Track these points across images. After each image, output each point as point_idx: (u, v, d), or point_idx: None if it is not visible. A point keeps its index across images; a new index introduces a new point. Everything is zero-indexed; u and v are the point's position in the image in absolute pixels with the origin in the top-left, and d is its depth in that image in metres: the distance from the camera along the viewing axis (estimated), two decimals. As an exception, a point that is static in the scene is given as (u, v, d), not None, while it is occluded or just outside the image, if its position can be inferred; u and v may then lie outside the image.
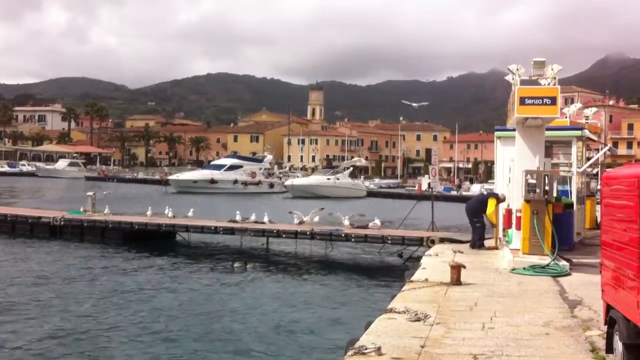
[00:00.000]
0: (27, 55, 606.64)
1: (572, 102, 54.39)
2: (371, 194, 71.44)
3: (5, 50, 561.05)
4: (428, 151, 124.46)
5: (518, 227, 14.58)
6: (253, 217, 24.72)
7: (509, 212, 15.66)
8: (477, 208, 17.73)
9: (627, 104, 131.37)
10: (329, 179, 67.86)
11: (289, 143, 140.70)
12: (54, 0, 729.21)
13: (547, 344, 7.82)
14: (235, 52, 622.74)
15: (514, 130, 15.36)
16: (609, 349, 7.06)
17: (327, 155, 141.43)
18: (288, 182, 68.78)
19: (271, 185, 74.83)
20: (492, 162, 23.92)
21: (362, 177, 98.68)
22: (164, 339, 12.33)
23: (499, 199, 17.20)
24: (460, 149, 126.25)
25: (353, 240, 22.03)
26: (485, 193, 19.21)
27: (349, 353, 7.46)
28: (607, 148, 24.36)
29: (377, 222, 23.12)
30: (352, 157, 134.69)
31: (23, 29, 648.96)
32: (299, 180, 70.58)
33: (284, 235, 22.94)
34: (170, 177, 76.16)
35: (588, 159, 21.39)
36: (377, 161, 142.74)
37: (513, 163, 15.63)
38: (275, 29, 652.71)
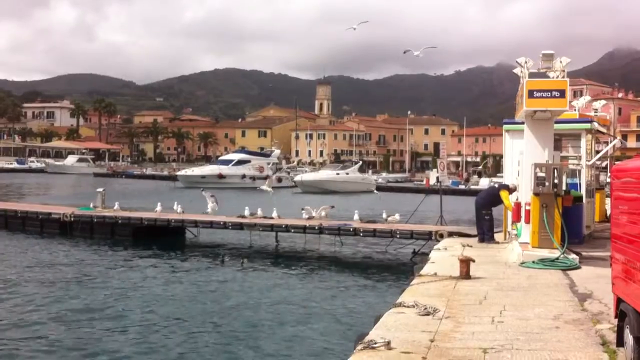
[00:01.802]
0: (36, 52, 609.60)
1: (581, 94, 54.21)
2: (379, 188, 71.29)
3: (14, 48, 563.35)
4: (436, 145, 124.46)
5: (527, 221, 14.52)
6: (260, 212, 24.75)
7: (518, 205, 15.62)
8: (487, 201, 17.68)
9: (636, 97, 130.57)
10: (338, 173, 67.70)
11: (297, 138, 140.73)
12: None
13: (557, 337, 7.81)
14: (242, 48, 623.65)
15: (522, 123, 15.29)
16: (620, 342, 7.03)
17: (335, 150, 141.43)
18: (297, 177, 68.62)
19: (279, 180, 74.91)
20: (501, 156, 23.88)
21: (370, 171, 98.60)
22: (171, 335, 12.38)
23: (510, 190, 17.14)
24: (469, 142, 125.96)
25: (362, 234, 22.03)
26: (496, 186, 19.12)
27: (359, 347, 7.47)
28: (616, 140, 24.24)
29: (397, 216, 23.05)
30: (360, 152, 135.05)
31: (32, 27, 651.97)
32: (309, 176, 70.35)
33: (293, 230, 22.94)
34: (178, 173, 76.40)
35: (597, 151, 21.28)
36: (385, 155, 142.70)
37: (522, 156, 15.57)
38: (282, 24, 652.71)
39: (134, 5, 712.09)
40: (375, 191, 24.12)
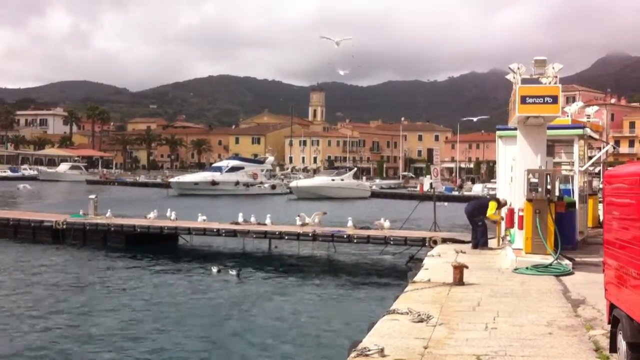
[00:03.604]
0: (30, 59, 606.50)
1: (574, 100, 54.33)
2: (374, 194, 71.44)
3: (7, 55, 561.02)
4: (430, 151, 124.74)
5: (520, 227, 14.54)
6: (253, 219, 24.68)
7: (511, 211, 15.64)
8: (477, 210, 17.67)
9: (629, 102, 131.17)
10: (333, 179, 67.75)
11: (291, 144, 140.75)
12: (58, 6, 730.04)
13: (551, 343, 7.79)
14: (236, 54, 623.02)
15: (515, 129, 15.33)
16: (613, 348, 7.03)
17: (329, 157, 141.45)
18: (293, 184, 68.62)
19: (273, 187, 74.85)
20: (494, 162, 23.92)
21: (364, 177, 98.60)
22: (163, 342, 12.32)
23: (500, 204, 17.16)
24: (462, 148, 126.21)
25: (355, 241, 22.00)
26: (487, 196, 19.15)
27: (352, 355, 7.44)
28: (609, 146, 24.29)
29: (387, 223, 23.03)
30: (354, 158, 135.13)
31: (26, 34, 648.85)
32: (304, 182, 70.34)
33: (286, 237, 22.91)
34: (171, 180, 76.19)
35: (590, 157, 21.33)
36: (379, 162, 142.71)
37: (515, 162, 15.60)
38: (276, 31, 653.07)
39: (129, 13, 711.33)
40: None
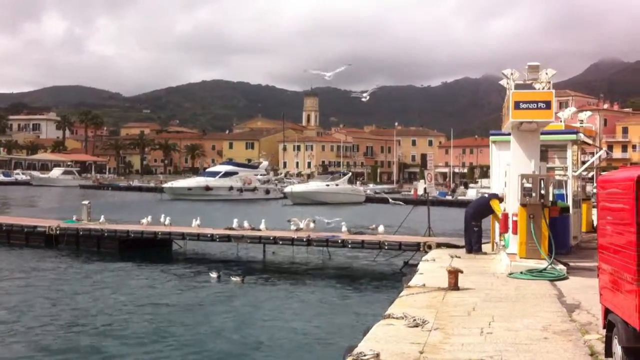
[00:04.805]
0: (23, 64, 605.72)
1: (567, 106, 54.61)
2: (368, 199, 71.44)
3: (0, 60, 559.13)
4: (424, 156, 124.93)
5: (515, 232, 14.56)
6: (246, 224, 24.63)
7: (505, 216, 15.66)
8: (477, 212, 17.66)
9: (622, 108, 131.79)
10: (328, 185, 67.72)
11: (285, 149, 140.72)
12: (52, 11, 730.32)
13: (546, 348, 7.81)
14: (230, 60, 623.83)
15: (509, 134, 15.37)
16: (608, 352, 7.04)
17: (323, 162, 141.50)
18: (287, 189, 68.54)
19: (267, 192, 74.81)
20: (488, 167, 23.94)
21: (358, 182, 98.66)
22: (159, 350, 12.28)
23: (500, 199, 17.14)
24: (456, 153, 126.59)
25: (350, 246, 21.98)
26: (485, 195, 19.13)
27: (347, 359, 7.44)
28: (602, 151, 24.39)
29: (382, 227, 23.06)
30: (348, 163, 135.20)
31: (19, 39, 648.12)
32: (299, 187, 70.25)
33: (281, 242, 22.87)
34: (164, 185, 76.04)
35: (583, 162, 21.40)
36: (373, 167, 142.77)
37: (509, 167, 15.63)
38: (270, 37, 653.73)
39: (123, 19, 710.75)
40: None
